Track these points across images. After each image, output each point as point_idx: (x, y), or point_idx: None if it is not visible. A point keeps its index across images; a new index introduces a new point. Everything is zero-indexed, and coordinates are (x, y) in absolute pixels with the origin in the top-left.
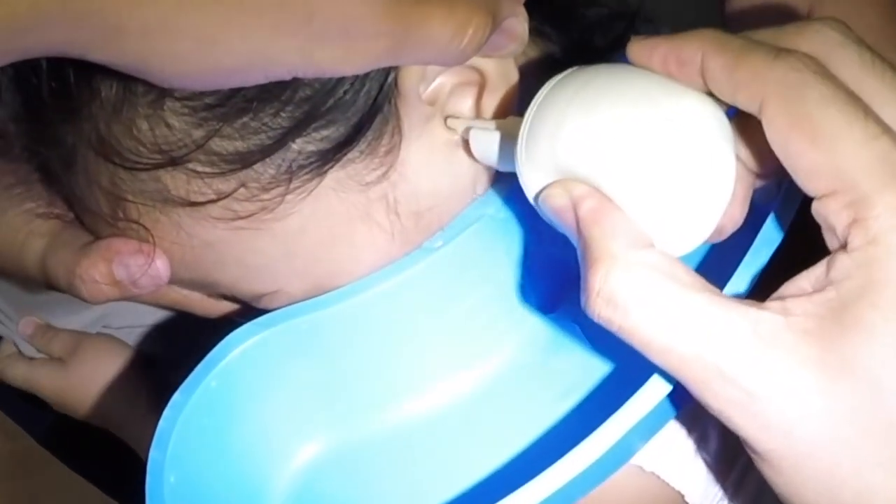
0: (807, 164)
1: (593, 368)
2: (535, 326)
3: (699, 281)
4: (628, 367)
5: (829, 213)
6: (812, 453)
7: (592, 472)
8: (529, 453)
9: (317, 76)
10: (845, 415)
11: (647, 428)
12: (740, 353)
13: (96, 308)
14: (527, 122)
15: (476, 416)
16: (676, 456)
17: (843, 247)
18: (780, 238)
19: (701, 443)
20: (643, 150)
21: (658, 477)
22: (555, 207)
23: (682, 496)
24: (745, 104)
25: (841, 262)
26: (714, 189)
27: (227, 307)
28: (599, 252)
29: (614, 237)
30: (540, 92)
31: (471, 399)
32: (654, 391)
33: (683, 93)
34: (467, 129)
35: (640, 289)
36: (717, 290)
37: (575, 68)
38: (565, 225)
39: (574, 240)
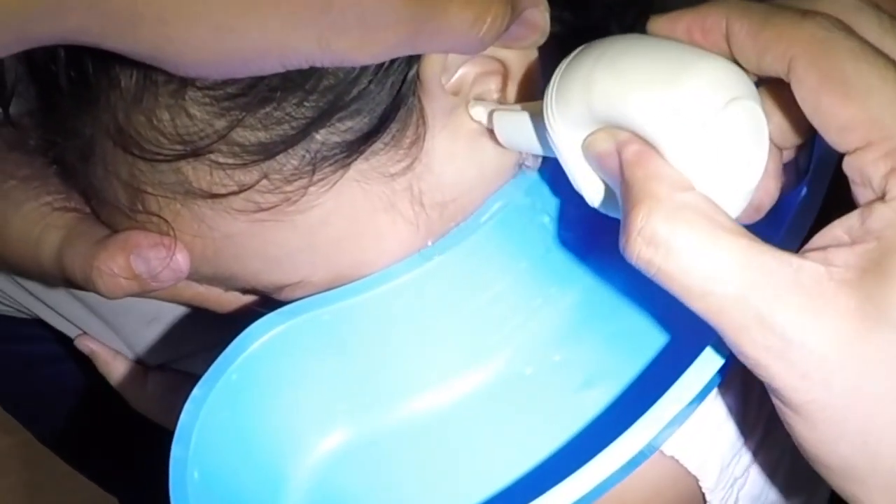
0: (840, 119)
1: (613, 358)
2: (555, 316)
3: (740, 227)
4: (645, 354)
5: (865, 165)
6: (849, 405)
7: (641, 453)
8: (552, 445)
9: (334, 65)
10: (884, 366)
11: (695, 404)
12: (781, 301)
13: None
14: (554, 83)
15: (497, 407)
16: (694, 441)
17: (881, 198)
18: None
19: (716, 430)
20: (676, 117)
21: (677, 461)
22: (599, 152)
23: (698, 481)
24: (772, 66)
25: (880, 212)
26: (751, 153)
27: (245, 301)
28: (642, 192)
29: (658, 179)
30: (564, 60)
31: (492, 390)
32: (706, 367)
33: (712, 57)
34: (491, 115)
35: (682, 230)
36: (758, 238)
37: (595, 40)
38: (608, 170)
39: (616, 186)
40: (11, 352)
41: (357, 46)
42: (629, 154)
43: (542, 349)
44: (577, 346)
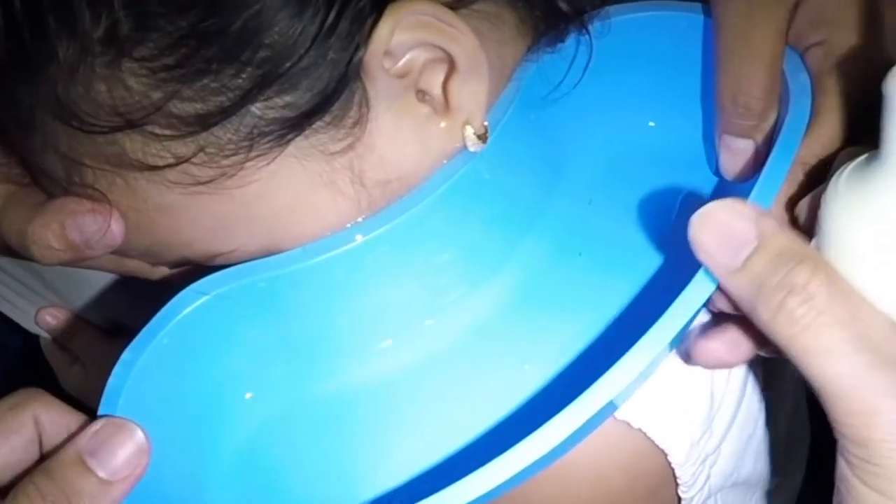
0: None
1: (554, 337)
2: (497, 291)
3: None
4: (587, 335)
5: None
6: None
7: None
8: (492, 419)
9: None
10: None
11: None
12: None
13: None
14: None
15: (436, 379)
16: (661, 417)
17: None
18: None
19: (684, 406)
20: None
21: (645, 435)
22: None
23: (666, 455)
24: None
25: None
26: None
27: (183, 271)
28: None
29: None
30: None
31: (430, 362)
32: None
33: None
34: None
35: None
36: None
37: None
38: None
39: None
40: None
41: None
42: None
43: (483, 323)
44: (518, 322)
